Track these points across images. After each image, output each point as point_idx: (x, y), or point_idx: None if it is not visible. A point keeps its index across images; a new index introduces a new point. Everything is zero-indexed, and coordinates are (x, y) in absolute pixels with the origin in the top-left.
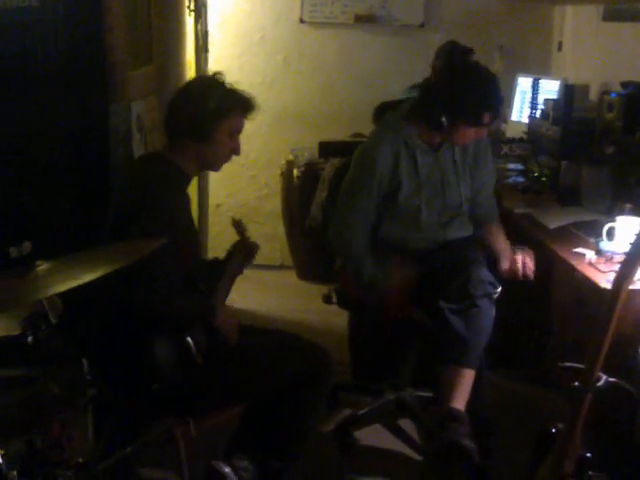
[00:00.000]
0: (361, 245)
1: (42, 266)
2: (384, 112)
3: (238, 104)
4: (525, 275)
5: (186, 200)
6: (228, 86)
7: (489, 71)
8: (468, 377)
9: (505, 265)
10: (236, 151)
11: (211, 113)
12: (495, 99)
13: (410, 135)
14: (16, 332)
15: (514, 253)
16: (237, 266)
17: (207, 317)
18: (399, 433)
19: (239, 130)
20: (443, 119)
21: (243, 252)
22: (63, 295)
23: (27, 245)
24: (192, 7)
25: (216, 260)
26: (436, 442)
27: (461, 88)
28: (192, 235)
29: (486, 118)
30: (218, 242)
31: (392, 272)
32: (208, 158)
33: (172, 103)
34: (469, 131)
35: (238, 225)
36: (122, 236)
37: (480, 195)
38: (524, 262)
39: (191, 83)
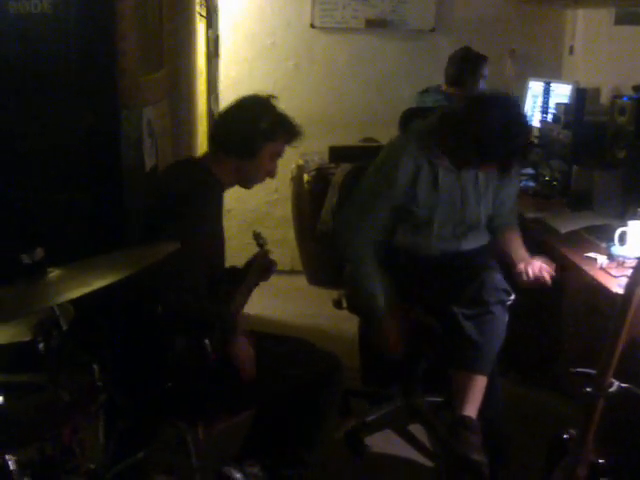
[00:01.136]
0: (366, 251)
1: (54, 273)
2: (411, 119)
3: (287, 130)
4: (542, 279)
5: (219, 208)
6: (279, 111)
7: (515, 105)
8: (480, 383)
9: (521, 269)
10: (272, 174)
11: (262, 133)
12: (524, 144)
13: (434, 152)
14: (27, 338)
15: (531, 259)
16: (254, 279)
17: (226, 332)
18: (410, 439)
19: (280, 155)
20: (471, 158)
21: (262, 265)
22: (74, 301)
23: (39, 252)
24: (203, 13)
25: (234, 268)
26: (446, 451)
27: (492, 137)
28: (219, 242)
29: (515, 162)
30: (228, 247)
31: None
32: (247, 175)
33: (224, 117)
34: (496, 169)
35: (258, 237)
36: (152, 239)
37: (503, 207)
38: (541, 267)
39: (247, 100)
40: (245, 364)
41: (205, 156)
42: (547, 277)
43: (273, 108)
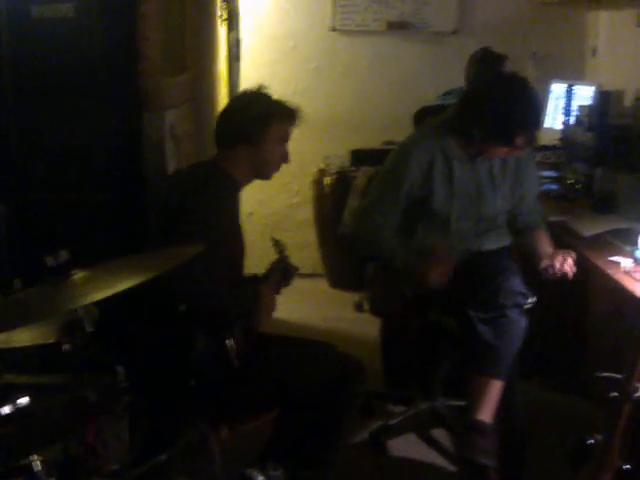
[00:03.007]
0: (389, 231)
1: (78, 275)
2: (425, 116)
3: (283, 111)
4: (564, 272)
5: (235, 208)
6: (271, 96)
7: (528, 87)
8: (495, 388)
9: (544, 263)
10: (285, 159)
11: (261, 115)
12: (530, 121)
13: (448, 144)
14: (52, 340)
15: (555, 254)
16: (274, 285)
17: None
18: (432, 442)
19: (286, 138)
20: (475, 134)
21: (281, 271)
22: (98, 303)
23: (64, 254)
24: (225, 16)
25: (255, 277)
26: (457, 456)
27: (494, 106)
28: (238, 242)
29: (519, 140)
30: (250, 250)
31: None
32: (260, 163)
33: (224, 112)
34: (501, 149)
35: (278, 244)
36: (167, 242)
37: (522, 205)
38: (564, 260)
39: (239, 94)
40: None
41: (216, 157)
42: (569, 270)
43: (266, 94)
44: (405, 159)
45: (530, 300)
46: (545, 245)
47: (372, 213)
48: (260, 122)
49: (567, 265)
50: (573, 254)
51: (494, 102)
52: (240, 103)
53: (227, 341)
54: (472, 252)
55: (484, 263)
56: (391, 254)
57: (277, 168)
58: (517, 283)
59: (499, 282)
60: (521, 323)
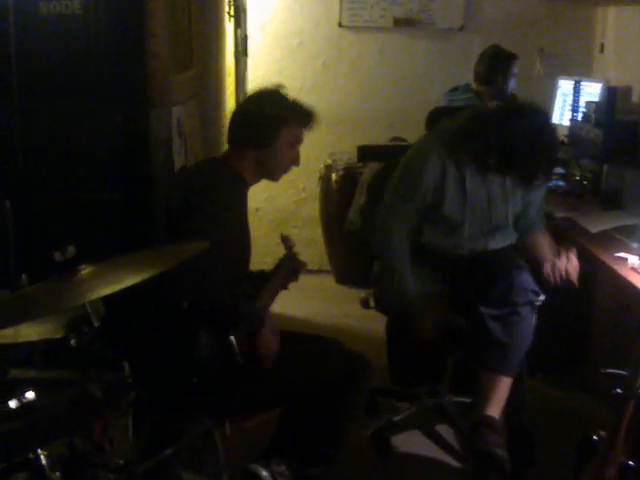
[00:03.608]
0: (401, 251)
1: (86, 270)
2: (438, 118)
3: (298, 114)
4: (568, 280)
5: (243, 206)
6: (290, 98)
7: (549, 124)
8: (504, 385)
9: (547, 270)
10: (295, 162)
11: (272, 119)
12: (552, 164)
13: (460, 153)
14: (59, 335)
15: (558, 255)
16: (281, 280)
17: (253, 324)
18: (437, 439)
19: (299, 141)
20: (491, 161)
21: (289, 267)
22: (105, 298)
23: (71, 249)
24: (232, 12)
25: (262, 272)
26: (467, 449)
27: (517, 150)
28: (244, 239)
29: (537, 181)
30: (256, 246)
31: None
32: (268, 166)
33: (236, 111)
34: (518, 181)
35: (286, 240)
36: (174, 238)
37: (529, 208)
38: (567, 268)
39: (255, 93)
40: (267, 356)
41: (225, 154)
42: (574, 278)
43: (281, 95)
44: (420, 168)
45: (541, 297)
46: (545, 246)
47: (386, 225)
48: (271, 127)
49: (571, 267)
50: (574, 251)
51: (515, 142)
52: (255, 104)
53: (231, 338)
54: (477, 251)
55: (494, 260)
56: (400, 286)
57: (286, 171)
58: (528, 280)
59: (511, 279)
60: (532, 320)
